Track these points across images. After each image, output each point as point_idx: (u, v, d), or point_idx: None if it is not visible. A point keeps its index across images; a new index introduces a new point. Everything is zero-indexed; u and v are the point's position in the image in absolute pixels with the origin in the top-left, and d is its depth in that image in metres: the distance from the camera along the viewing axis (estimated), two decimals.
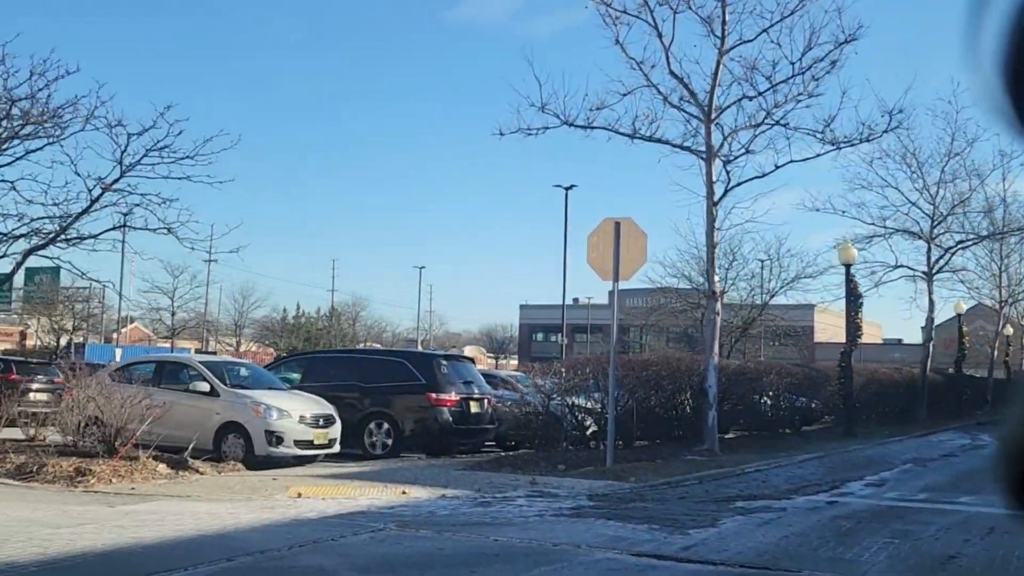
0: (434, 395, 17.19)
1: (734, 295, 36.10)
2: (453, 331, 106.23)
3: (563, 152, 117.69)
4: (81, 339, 62.22)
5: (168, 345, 68.27)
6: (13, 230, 14.92)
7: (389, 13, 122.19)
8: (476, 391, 18.10)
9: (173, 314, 60.39)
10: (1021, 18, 0.84)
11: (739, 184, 18.73)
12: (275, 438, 15.00)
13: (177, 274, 61.28)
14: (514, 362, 79.56)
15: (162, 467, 12.90)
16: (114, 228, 15.18)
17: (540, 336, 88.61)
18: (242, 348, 73.52)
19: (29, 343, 63.87)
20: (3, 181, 15.10)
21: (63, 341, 60.70)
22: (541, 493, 12.08)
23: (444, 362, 18.20)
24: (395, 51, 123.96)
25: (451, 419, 17.23)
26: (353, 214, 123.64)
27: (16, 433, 14.67)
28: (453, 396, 17.39)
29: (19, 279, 61.13)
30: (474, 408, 17.83)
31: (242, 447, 15.08)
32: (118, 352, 51.96)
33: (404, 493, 11.70)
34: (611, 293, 15.40)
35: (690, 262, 35.68)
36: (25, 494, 11.32)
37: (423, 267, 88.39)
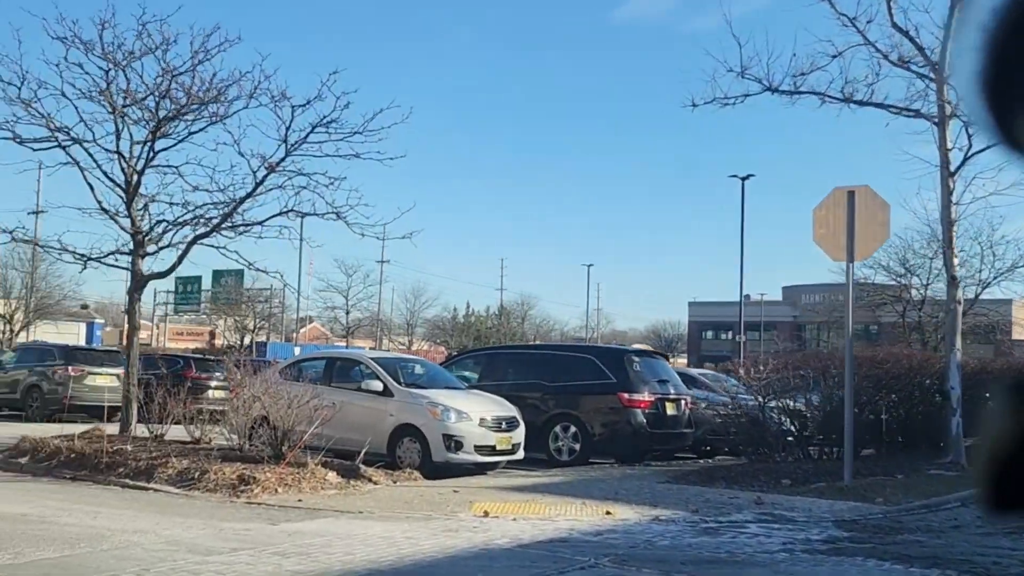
0: (626, 395, 15.07)
1: (939, 286, 32.27)
2: (619, 329, 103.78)
3: (736, 137, 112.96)
4: (263, 338, 63.48)
5: (343, 344, 69.08)
6: (179, 218, 13.80)
7: (555, 12, 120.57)
8: (672, 391, 15.86)
9: (348, 312, 60.68)
10: (997, 27, 0.81)
11: (982, 151, 15.69)
12: (454, 443, 13.26)
13: (351, 273, 61.62)
14: (682, 360, 76.41)
15: (332, 475, 11.33)
16: (280, 213, 13.83)
17: (710, 334, 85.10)
18: (413, 347, 73.58)
19: (217, 342, 65.79)
20: (168, 167, 14.03)
21: (246, 340, 62.05)
22: (773, 517, 9.76)
23: (636, 359, 16.04)
24: (560, 49, 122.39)
25: (646, 422, 15.07)
26: (522, 212, 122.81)
27: (183, 433, 13.51)
28: (647, 396, 15.22)
29: (207, 281, 63.20)
30: (670, 410, 15.60)
31: (418, 452, 13.43)
32: (296, 350, 52.37)
33: (608, 514, 9.63)
34: (847, 275, 12.77)
35: (887, 251, 32.11)
36: (182, 505, 9.93)
37: (591, 264, 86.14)
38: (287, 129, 12.86)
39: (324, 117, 12.96)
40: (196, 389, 23.16)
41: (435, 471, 12.94)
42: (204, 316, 69.22)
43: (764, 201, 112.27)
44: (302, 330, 72.53)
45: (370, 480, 11.65)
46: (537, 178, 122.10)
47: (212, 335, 69.84)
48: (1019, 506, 0.91)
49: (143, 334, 65.60)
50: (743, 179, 45.84)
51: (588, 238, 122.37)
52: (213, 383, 24.84)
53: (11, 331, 48.70)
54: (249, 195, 13.28)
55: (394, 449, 13.53)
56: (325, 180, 13.34)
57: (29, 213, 43.77)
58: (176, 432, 13.67)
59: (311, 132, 12.96)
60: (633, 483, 12.31)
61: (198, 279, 61.74)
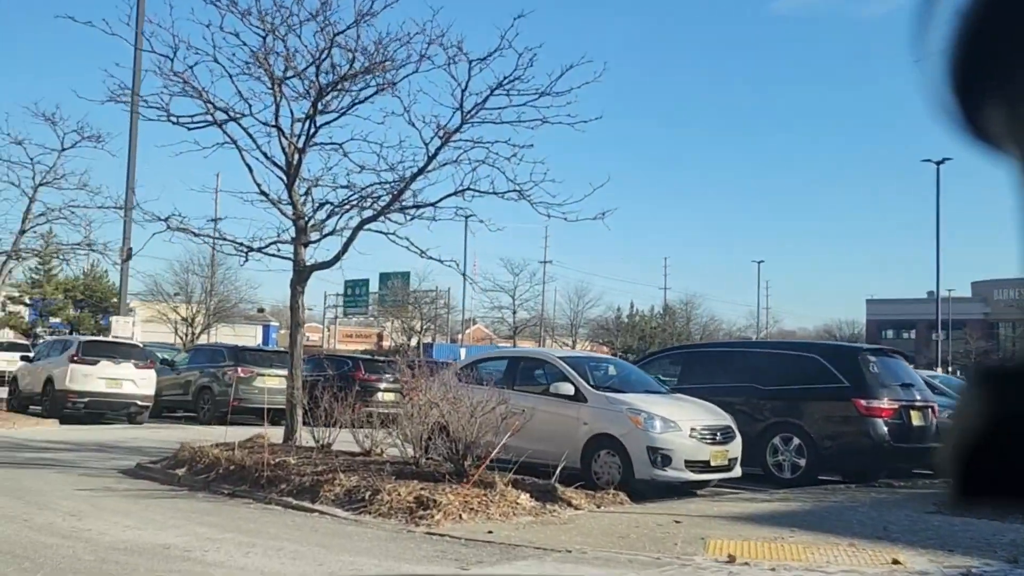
0: (864, 401, 12.39)
1: None
2: (787, 328, 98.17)
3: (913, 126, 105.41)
4: (429, 339, 62.99)
5: (509, 344, 67.85)
6: (344, 201, 12.15)
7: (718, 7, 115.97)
8: (918, 397, 13.05)
9: (514, 312, 59.21)
10: (970, 15, 0.76)
11: None
12: (661, 457, 11.02)
13: (517, 272, 60.21)
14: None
15: (524, 498, 9.28)
16: (455, 193, 11.95)
17: (890, 333, 79.39)
18: (577, 347, 71.57)
19: (385, 344, 65.84)
20: (331, 144, 12.40)
21: (412, 341, 61.72)
22: None
23: (872, 358, 13.27)
24: (719, 41, 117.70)
25: (887, 434, 12.36)
26: (687, 209, 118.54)
27: (351, 440, 11.77)
28: (889, 403, 12.50)
29: (374, 283, 63.23)
30: (916, 420, 12.80)
31: (617, 468, 11.26)
32: (463, 352, 51.49)
33: (897, 563, 7.14)
34: None
35: None
36: (352, 535, 8.09)
37: (761, 261, 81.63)
38: (463, 91, 10.95)
39: (505, 77, 10.98)
40: (365, 391, 22.03)
41: (639, 490, 10.73)
42: (372, 318, 69.53)
43: (951, 187, 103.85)
44: (467, 331, 71.86)
45: (569, 504, 9.54)
46: (699, 165, 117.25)
47: (380, 337, 70.14)
48: (985, 495, 0.84)
49: (314, 336, 66.10)
50: (938, 163, 41.42)
51: (756, 233, 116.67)
52: (382, 385, 23.60)
53: (192, 334, 49.75)
54: (421, 171, 11.46)
55: (589, 463, 11.42)
56: (507, 151, 11.36)
57: (209, 220, 44.29)
58: (344, 439, 11.98)
59: (491, 95, 11.00)
60: (895, 513, 9.71)
61: (366, 282, 61.93)
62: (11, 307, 58.80)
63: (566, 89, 11.12)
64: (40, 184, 19.37)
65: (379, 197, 11.96)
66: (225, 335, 50.50)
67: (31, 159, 19.21)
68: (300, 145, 11.83)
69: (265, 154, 12.30)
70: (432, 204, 12.07)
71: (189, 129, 12.00)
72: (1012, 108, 0.78)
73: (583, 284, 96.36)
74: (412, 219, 12.51)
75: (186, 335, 49.48)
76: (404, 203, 12.09)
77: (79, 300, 56.08)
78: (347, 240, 11.94)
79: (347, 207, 12.05)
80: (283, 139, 11.99)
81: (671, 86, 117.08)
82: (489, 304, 62.68)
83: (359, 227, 11.95)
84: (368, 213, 12.13)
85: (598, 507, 9.68)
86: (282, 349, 29.04)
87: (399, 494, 9.04)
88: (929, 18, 0.79)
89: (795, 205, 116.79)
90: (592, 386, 12.01)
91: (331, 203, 12.04)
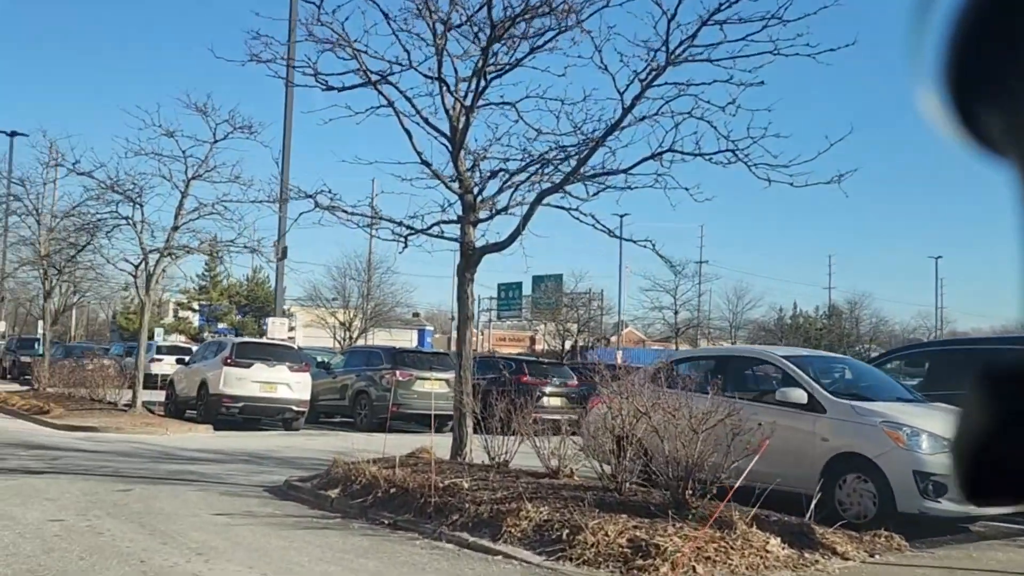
0: None
1: None
2: (960, 330, 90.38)
3: None
4: (581, 342, 60.87)
5: (662, 348, 64.87)
6: (524, 166, 10.05)
7: None
8: None
9: (676, 313, 56.23)
10: (962, 18, 0.76)
11: None
12: (933, 485, 8.34)
13: (679, 270, 57.29)
14: None
15: (774, 543, 6.85)
16: (653, 155, 9.60)
17: None
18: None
19: (537, 347, 64.22)
20: (503, 104, 10.32)
21: (567, 344, 59.78)
22: None
23: None
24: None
25: None
26: (854, 203, 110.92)
27: (529, 454, 9.60)
28: None
29: (527, 287, 61.60)
30: None
31: (872, 497, 8.67)
32: (618, 354, 49.16)
33: None
34: None
35: None
36: None
37: (939, 257, 74.65)
38: (669, 21, 8.58)
39: (721, 4, 8.56)
40: (530, 396, 20.06)
41: (902, 527, 8.10)
42: (525, 322, 68.04)
43: None
44: (621, 333, 69.38)
45: (832, 551, 7.04)
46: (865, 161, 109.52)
47: (532, 340, 68.56)
48: (992, 495, 0.82)
49: None
50: None
51: (933, 227, 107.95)
52: (548, 389, 21.60)
53: (350, 338, 49.37)
54: (616, 124, 9.16)
55: (830, 490, 8.84)
56: (722, 97, 8.94)
57: (363, 200, 43.75)
58: (522, 452, 9.81)
59: (704, 24, 8.59)
60: None
61: (519, 285, 60.51)
62: (181, 313, 60.53)
63: (798, 16, 8.61)
64: (192, 178, 18.21)
65: (563, 160, 9.79)
66: (381, 339, 49.83)
67: (183, 152, 18.10)
68: (468, 103, 9.78)
69: (426, 119, 10.34)
70: (624, 171, 9.78)
71: (340, 90, 10.16)
72: (1009, 116, 0.77)
73: (742, 284, 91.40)
74: (600, 191, 10.27)
75: (343, 339, 49.11)
76: (589, 171, 9.86)
77: (243, 305, 56.97)
78: (526, 213, 9.79)
79: (524, 174, 9.92)
80: (447, 96, 9.98)
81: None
82: (649, 304, 59.85)
83: (538, 199, 9.78)
84: (547, 185, 9.96)
85: (870, 555, 7.14)
86: (441, 351, 27.43)
87: (606, 534, 6.79)
88: (924, 24, 0.77)
89: (973, 196, 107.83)
90: (829, 392, 9.44)
91: (506, 170, 9.95)
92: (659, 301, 58.43)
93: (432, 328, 68.07)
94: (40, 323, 32.49)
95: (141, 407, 18.66)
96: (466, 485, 8.21)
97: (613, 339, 70.61)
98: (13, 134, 36.27)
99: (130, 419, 17.46)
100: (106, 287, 38.85)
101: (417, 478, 8.80)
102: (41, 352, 28.11)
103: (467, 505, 7.86)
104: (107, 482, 10.10)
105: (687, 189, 9.90)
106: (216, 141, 18.19)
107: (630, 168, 9.78)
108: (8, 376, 34.00)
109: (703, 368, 10.90)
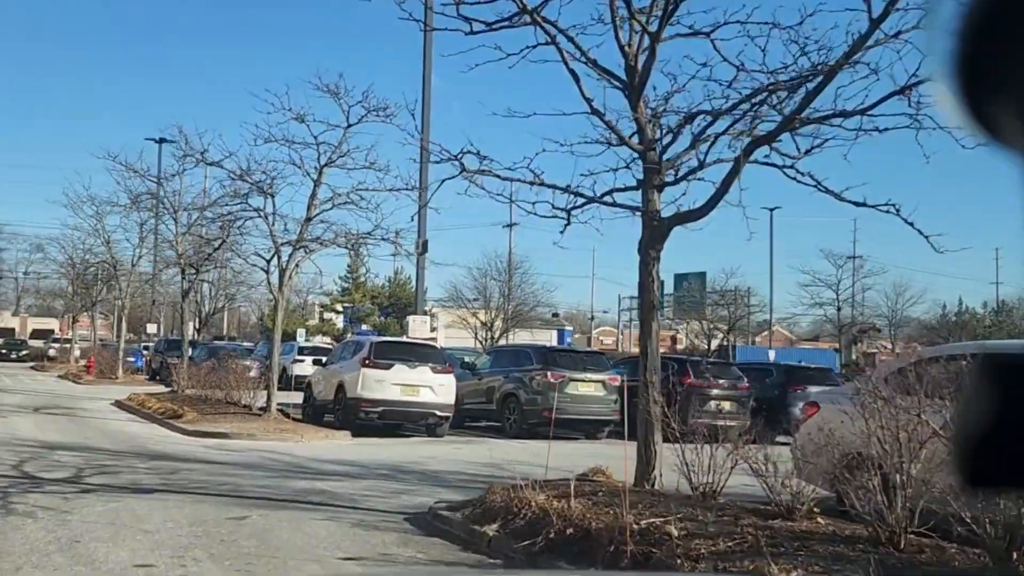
0: None
1: None
2: None
3: None
4: (725, 342, 57.58)
5: (810, 347, 60.83)
6: (728, 109, 7.70)
7: None
8: None
9: (839, 309, 52.16)
10: (972, 11, 0.75)
11: None
12: None
13: (840, 264, 53.32)
14: None
15: None
16: (903, 88, 7.08)
17: None
18: (897, 350, 62.70)
19: (679, 347, 61.32)
20: (696, 35, 7.98)
21: (713, 344, 56.71)
22: None
23: None
24: None
25: None
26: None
27: (745, 477, 7.24)
28: None
29: (668, 285, 58.66)
30: None
31: None
32: (771, 353, 45.90)
33: None
34: None
35: None
36: None
37: None
38: None
39: None
40: (696, 400, 17.69)
41: None
42: (668, 321, 65.12)
43: None
44: (763, 334, 65.66)
45: None
46: None
47: (673, 340, 65.63)
48: (991, 480, 0.87)
49: (607, 339, 63.27)
50: None
51: None
52: (714, 392, 19.15)
53: (491, 338, 48.01)
54: (858, 46, 6.72)
55: None
56: None
57: (520, 164, 42.10)
58: (740, 484, 7.45)
59: None
60: None
61: (660, 283, 57.73)
62: (326, 315, 60.60)
63: None
64: (325, 165, 16.60)
65: (781, 101, 7.42)
66: (522, 339, 48.20)
67: (315, 137, 16.51)
68: (654, 30, 7.50)
69: (594, 61, 8.13)
70: (864, 111, 7.27)
71: (489, 26, 8.07)
72: (1017, 107, 0.76)
73: (902, 279, 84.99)
74: (819, 144, 7.81)
75: (485, 339, 47.75)
76: (814, 114, 7.42)
77: (385, 307, 56.47)
78: (731, 170, 7.44)
79: (727, 118, 7.58)
80: (620, 30, 7.73)
81: None
82: (809, 300, 56.13)
83: (750, 150, 7.42)
84: (758, 133, 7.58)
85: None
86: (594, 350, 25.27)
87: None
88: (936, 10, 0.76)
89: None
90: None
91: (707, 112, 7.63)
92: (819, 296, 54.68)
93: (572, 328, 66.04)
94: (189, 324, 32.14)
95: (276, 411, 17.20)
96: (675, 533, 5.90)
97: (758, 338, 67.03)
98: (161, 141, 36.28)
99: (263, 424, 15.98)
100: (255, 291, 38.45)
101: (600, 515, 6.59)
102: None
103: (679, 560, 5.58)
104: (221, 506, 8.35)
105: (950, 131, 7.30)
106: (350, 125, 16.56)
107: (871, 108, 7.27)
108: (157, 378, 33.81)
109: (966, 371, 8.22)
